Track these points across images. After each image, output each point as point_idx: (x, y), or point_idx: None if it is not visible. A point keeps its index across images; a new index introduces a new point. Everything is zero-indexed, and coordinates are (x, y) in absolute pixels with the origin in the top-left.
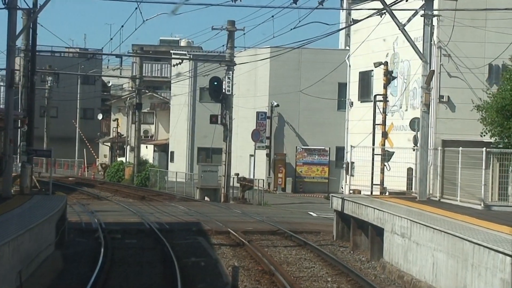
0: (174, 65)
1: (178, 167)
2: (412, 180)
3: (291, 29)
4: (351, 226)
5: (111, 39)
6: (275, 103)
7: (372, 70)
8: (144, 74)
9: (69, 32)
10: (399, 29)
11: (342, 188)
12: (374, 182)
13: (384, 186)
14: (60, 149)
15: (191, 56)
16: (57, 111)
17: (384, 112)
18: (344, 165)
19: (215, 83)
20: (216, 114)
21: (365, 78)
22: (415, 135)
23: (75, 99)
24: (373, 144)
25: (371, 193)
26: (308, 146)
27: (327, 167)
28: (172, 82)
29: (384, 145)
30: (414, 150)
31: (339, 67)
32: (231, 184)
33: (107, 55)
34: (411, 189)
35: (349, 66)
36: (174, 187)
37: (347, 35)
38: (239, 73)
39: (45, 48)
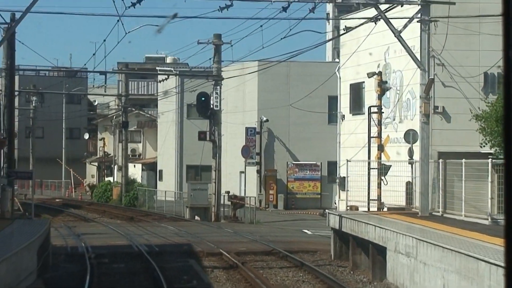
0: (160, 81)
1: (167, 186)
2: (411, 195)
3: (281, 39)
4: (350, 245)
5: (94, 54)
6: (265, 118)
7: (363, 82)
8: (130, 92)
9: (55, 52)
10: (395, 36)
11: (335, 203)
12: (370, 197)
13: (382, 201)
14: (47, 170)
15: (177, 72)
16: (43, 131)
17: (380, 124)
18: (337, 180)
19: (203, 98)
20: (204, 130)
21: (356, 90)
22: (410, 148)
23: (61, 119)
24: (369, 157)
25: (368, 209)
26: (299, 161)
27: (319, 182)
28: (158, 99)
29: (380, 158)
30: (409, 163)
31: (329, 80)
32: (222, 202)
33: (91, 72)
34: (411, 204)
35: (339, 78)
36: (163, 206)
37: (334, 49)
38: (227, 88)
39: (30, 67)
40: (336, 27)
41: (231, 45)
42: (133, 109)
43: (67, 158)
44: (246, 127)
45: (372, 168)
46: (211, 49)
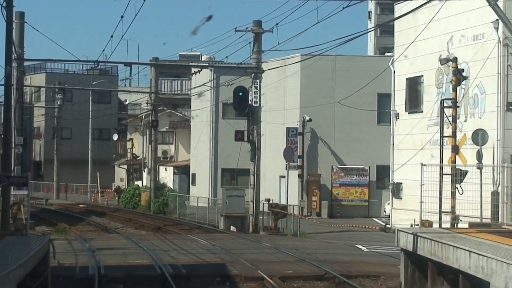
0: (193, 74)
1: (201, 191)
2: (497, 207)
3: (317, 22)
4: (429, 273)
5: (103, 50)
6: (307, 118)
7: (422, 76)
8: (163, 92)
9: (84, 50)
10: (490, 5)
11: (385, 212)
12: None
13: (456, 214)
14: (74, 173)
15: (212, 64)
16: (71, 132)
17: (454, 121)
18: (391, 187)
19: (240, 93)
20: (242, 130)
21: (414, 85)
22: (478, 150)
23: (90, 118)
24: (441, 160)
25: (440, 224)
26: (345, 165)
27: (367, 188)
28: (191, 95)
29: (455, 161)
30: (478, 168)
31: (379, 76)
32: (261, 209)
33: (114, 63)
34: (497, 218)
35: (394, 72)
36: (195, 213)
37: (377, 47)
38: (265, 84)
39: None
40: (378, 25)
41: (272, 32)
42: (165, 108)
43: (95, 161)
44: (287, 127)
45: (445, 174)
46: (248, 48)
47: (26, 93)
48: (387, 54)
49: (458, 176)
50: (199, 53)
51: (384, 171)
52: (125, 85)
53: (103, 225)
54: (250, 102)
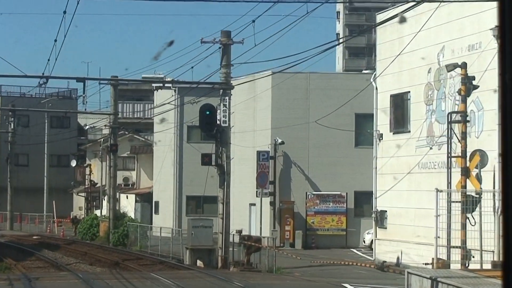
0: (154, 90)
1: (164, 220)
2: None
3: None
4: None
5: (48, 60)
6: (279, 140)
7: (408, 92)
8: (125, 116)
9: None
10: None
11: (364, 242)
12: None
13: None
14: (32, 202)
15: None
16: (27, 158)
17: (464, 138)
18: (373, 215)
19: (208, 112)
20: (209, 153)
21: (399, 102)
22: (477, 173)
23: (48, 144)
24: (449, 184)
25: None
26: (320, 191)
27: (345, 216)
28: (153, 115)
29: (465, 186)
30: (477, 194)
31: (357, 95)
32: (231, 240)
33: (66, 78)
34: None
35: (376, 88)
36: (158, 245)
37: (346, 60)
38: (234, 103)
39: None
40: (347, 26)
41: (242, 43)
42: (126, 132)
43: (53, 189)
44: (257, 151)
45: (453, 202)
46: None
47: None
48: (364, 71)
49: (469, 204)
50: (162, 75)
51: (362, 198)
52: (85, 109)
53: (54, 260)
54: (218, 122)
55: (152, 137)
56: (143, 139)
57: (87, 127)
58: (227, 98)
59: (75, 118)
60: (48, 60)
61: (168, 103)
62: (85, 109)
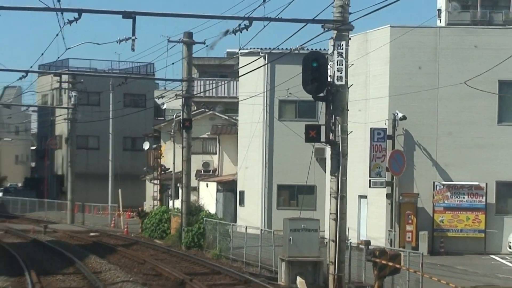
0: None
1: (251, 214)
2: None
3: None
4: None
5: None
6: (400, 115)
7: None
8: (208, 95)
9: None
10: None
11: (509, 248)
12: None
13: None
14: (100, 189)
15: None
16: (98, 141)
17: None
18: None
19: (314, 64)
20: (315, 123)
21: None
22: None
23: (122, 127)
24: None
25: None
26: (452, 181)
27: (484, 213)
28: (238, 77)
29: None
30: None
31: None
32: (347, 254)
33: (105, 13)
34: None
35: None
36: (243, 246)
37: (448, 7)
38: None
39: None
40: None
41: None
42: (206, 109)
43: (128, 175)
44: (370, 128)
45: None
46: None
47: (46, 95)
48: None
49: None
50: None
51: (507, 190)
52: (164, 88)
53: (95, 274)
54: (330, 79)
55: (237, 117)
56: (226, 117)
57: (165, 106)
58: (343, 43)
59: (152, 97)
60: None
61: (256, 68)
62: (165, 88)
